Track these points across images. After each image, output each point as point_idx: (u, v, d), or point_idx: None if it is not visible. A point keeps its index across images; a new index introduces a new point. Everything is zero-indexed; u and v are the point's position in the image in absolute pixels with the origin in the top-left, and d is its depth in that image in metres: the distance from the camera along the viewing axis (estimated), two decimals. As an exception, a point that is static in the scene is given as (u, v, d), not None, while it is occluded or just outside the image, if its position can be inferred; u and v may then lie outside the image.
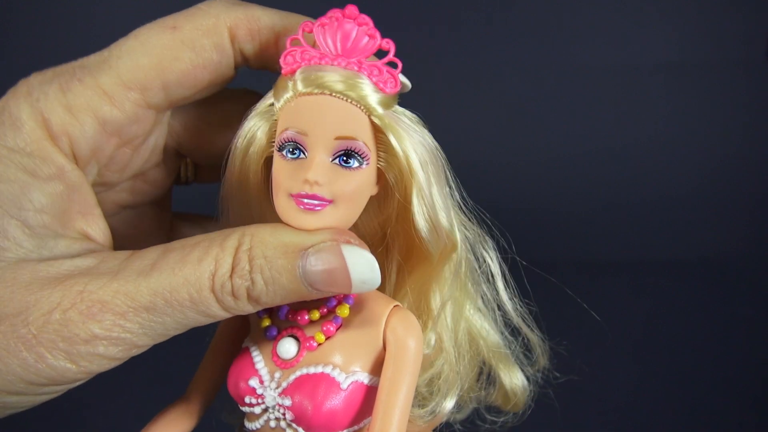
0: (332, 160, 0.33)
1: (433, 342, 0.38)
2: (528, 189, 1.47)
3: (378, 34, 0.33)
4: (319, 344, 0.35)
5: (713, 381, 0.90)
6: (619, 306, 1.01)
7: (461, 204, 0.38)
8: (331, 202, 0.33)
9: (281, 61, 0.34)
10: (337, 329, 0.35)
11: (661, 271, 1.35)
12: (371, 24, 0.33)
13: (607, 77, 1.62)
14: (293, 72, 0.34)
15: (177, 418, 0.38)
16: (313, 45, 0.34)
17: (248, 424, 0.37)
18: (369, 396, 0.35)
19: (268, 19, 0.37)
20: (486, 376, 0.42)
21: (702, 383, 0.90)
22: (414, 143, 0.34)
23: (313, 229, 0.33)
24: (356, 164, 0.33)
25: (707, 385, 0.89)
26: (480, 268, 0.39)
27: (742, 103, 1.61)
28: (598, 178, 1.58)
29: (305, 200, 0.32)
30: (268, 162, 0.36)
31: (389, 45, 0.33)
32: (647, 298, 1.23)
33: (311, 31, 0.34)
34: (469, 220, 0.38)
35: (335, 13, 0.33)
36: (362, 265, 0.31)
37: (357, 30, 0.33)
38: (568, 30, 1.62)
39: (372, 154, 0.34)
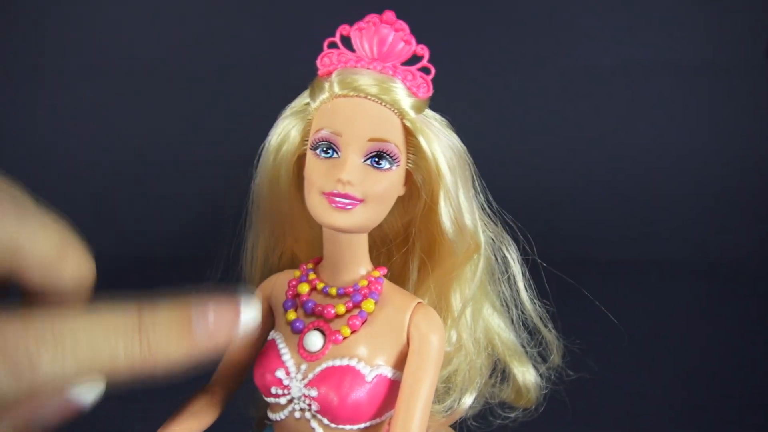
0: (364, 161, 0.34)
1: (454, 339, 0.40)
2: (528, 189, 1.49)
3: (413, 40, 0.34)
4: (345, 338, 0.36)
5: (722, 381, 0.92)
6: (633, 305, 1.02)
7: (485, 206, 0.39)
8: (362, 201, 0.34)
9: (318, 62, 0.35)
10: (362, 323, 0.36)
11: (673, 271, 1.36)
12: (407, 30, 0.34)
13: (607, 77, 1.64)
14: (329, 74, 0.35)
15: (200, 409, 0.39)
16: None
17: (272, 415, 0.38)
18: (392, 389, 0.36)
19: (39, 250, 0.28)
20: (499, 372, 0.43)
21: (712, 383, 0.91)
22: (443, 147, 0.35)
23: (343, 226, 0.34)
24: (387, 165, 0.34)
25: (716, 384, 0.91)
26: (501, 268, 0.40)
27: (742, 103, 1.63)
28: (598, 178, 1.59)
29: (337, 199, 0.33)
30: (300, 160, 0.37)
31: (423, 51, 0.34)
32: (659, 297, 1.24)
33: (348, 35, 0.35)
34: (493, 222, 0.39)
35: (373, 17, 0.34)
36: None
37: (393, 35, 0.34)
38: (569, 30, 1.63)
39: (402, 156, 0.35)
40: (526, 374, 0.43)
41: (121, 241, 1.42)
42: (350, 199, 0.33)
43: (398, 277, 0.42)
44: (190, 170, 1.55)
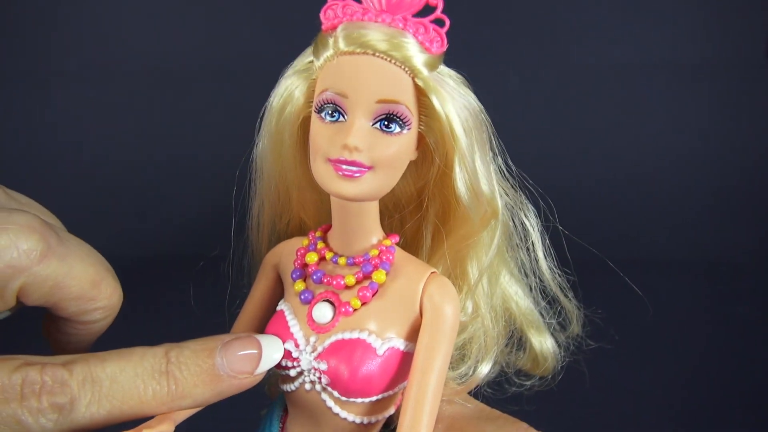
0: (373, 125, 0.31)
1: (470, 309, 0.38)
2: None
3: (426, -12, 0.31)
4: (355, 309, 0.35)
5: (722, 381, 0.92)
6: (633, 305, 1.03)
7: (504, 169, 0.37)
8: (370, 168, 0.31)
9: (321, 15, 0.32)
10: (373, 295, 0.35)
11: (673, 271, 1.36)
12: (419, -23, 0.31)
13: (607, 77, 1.62)
14: (334, 28, 0.32)
15: None
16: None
17: (283, 386, 0.37)
18: (404, 362, 0.35)
19: (77, 284, 0.30)
20: (516, 340, 0.41)
21: (711, 382, 0.91)
22: (458, 107, 0.33)
23: (351, 195, 0.32)
24: (397, 129, 0.32)
25: (716, 384, 0.91)
26: (519, 235, 0.38)
27: (742, 103, 1.61)
28: (598, 177, 1.58)
29: (344, 166, 0.31)
30: (305, 122, 0.35)
31: (437, 1, 0.31)
32: (658, 297, 1.22)
33: (353, -16, 0.32)
34: (512, 186, 0.37)
35: (380, -36, 0.31)
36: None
37: (403, -17, 0.31)
38: (569, 30, 1.60)
39: (414, 119, 0.32)
40: (543, 343, 0.42)
41: (121, 241, 1.43)
42: (358, 166, 0.31)
43: (411, 244, 0.40)
44: (190, 170, 1.55)
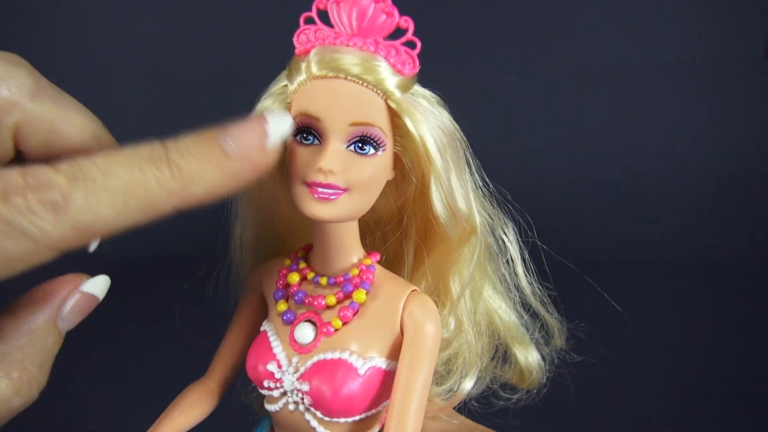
0: (347, 147, 0.32)
1: (452, 326, 0.38)
2: (527, 189, 1.47)
3: (396, 12, 0.31)
4: (336, 330, 0.35)
5: (722, 380, 0.91)
6: (632, 305, 1.03)
7: (481, 186, 0.37)
8: (345, 190, 0.32)
9: (294, 40, 0.32)
10: (354, 315, 0.35)
11: (673, 271, 1.36)
12: (389, 1, 0.31)
13: (607, 76, 1.62)
14: (307, 52, 0.32)
15: (199, 398, 0.39)
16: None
17: (268, 406, 0.37)
18: (387, 380, 0.35)
19: (77, 133, 0.28)
20: (501, 354, 0.42)
21: (711, 382, 0.90)
22: (431, 127, 0.33)
23: (327, 218, 0.32)
24: (372, 151, 0.32)
25: (715, 383, 0.90)
26: (499, 250, 0.38)
27: (742, 103, 1.61)
28: (599, 177, 1.58)
29: (320, 189, 0.31)
30: (283, 144, 0.35)
31: (408, 23, 0.31)
32: (658, 297, 1.24)
33: (325, 8, 0.32)
34: (490, 202, 0.37)
35: (350, -12, 0.31)
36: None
37: (374, 7, 0.31)
38: (569, 30, 1.61)
39: (388, 140, 0.32)
40: (528, 356, 0.42)
41: (121, 241, 1.43)
42: (333, 189, 0.31)
43: (394, 261, 0.40)
44: None
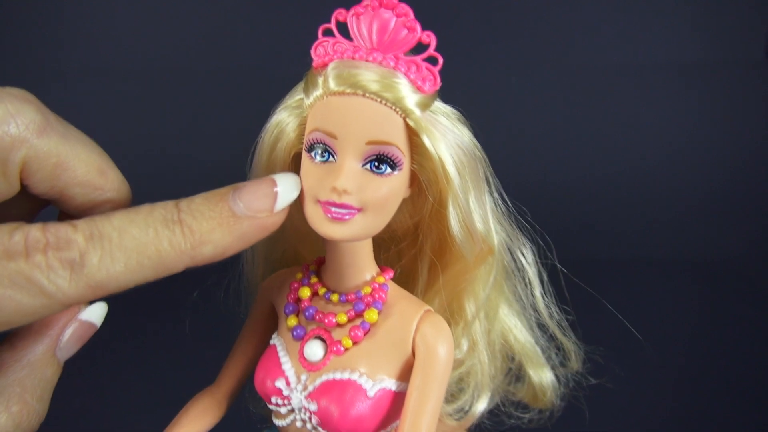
0: (363, 165, 0.31)
1: (465, 347, 0.37)
2: (526, 189, 1.45)
3: (418, 26, 0.30)
4: (347, 349, 0.34)
5: (722, 380, 0.89)
6: (632, 305, 1.00)
7: (501, 205, 0.36)
8: (360, 210, 0.31)
9: (312, 52, 0.31)
10: (364, 335, 0.34)
11: (673, 270, 1.34)
12: (411, 14, 0.30)
13: (607, 76, 1.59)
14: (324, 66, 0.31)
15: (207, 408, 0.39)
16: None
17: (276, 421, 0.37)
18: (396, 402, 0.34)
19: (82, 168, 0.28)
20: (516, 372, 0.41)
21: (711, 382, 0.88)
22: (450, 146, 0.32)
23: (340, 238, 0.31)
24: (388, 170, 0.31)
25: (715, 383, 0.88)
26: (516, 270, 0.37)
27: (742, 103, 1.59)
28: (597, 177, 1.55)
29: (333, 209, 0.30)
30: (297, 158, 0.34)
31: (430, 38, 0.30)
32: (658, 297, 1.22)
33: (345, 20, 0.31)
34: (509, 221, 0.36)
35: (372, 1, 0.30)
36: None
37: (395, 21, 0.30)
38: (568, 29, 1.58)
39: (405, 159, 0.31)
40: (542, 376, 0.41)
41: None
42: (347, 209, 0.30)
43: (408, 278, 0.39)
44: (190, 170, 1.55)
